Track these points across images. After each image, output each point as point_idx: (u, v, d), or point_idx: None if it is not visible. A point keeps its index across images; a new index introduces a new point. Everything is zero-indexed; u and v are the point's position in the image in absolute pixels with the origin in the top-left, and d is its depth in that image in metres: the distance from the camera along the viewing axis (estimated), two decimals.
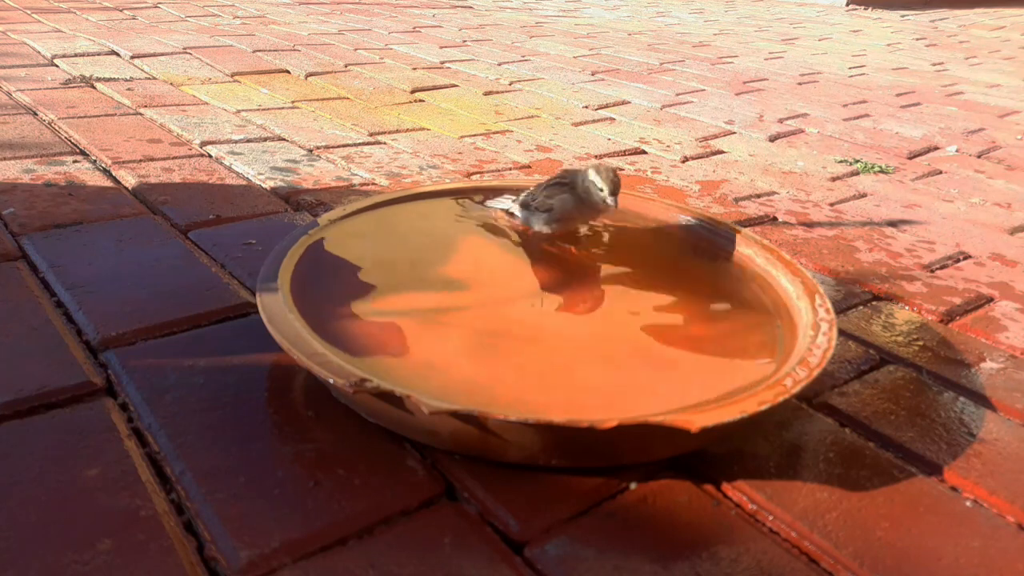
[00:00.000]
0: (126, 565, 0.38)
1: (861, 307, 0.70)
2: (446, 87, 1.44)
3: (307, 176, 0.92)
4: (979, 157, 1.23)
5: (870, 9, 3.53)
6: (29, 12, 1.90)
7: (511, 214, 0.75)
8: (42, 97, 1.16)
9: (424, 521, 0.42)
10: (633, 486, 0.46)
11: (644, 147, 1.15)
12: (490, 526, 0.42)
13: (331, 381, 0.46)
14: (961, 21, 3.30)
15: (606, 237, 0.74)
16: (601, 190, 0.67)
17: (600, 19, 2.60)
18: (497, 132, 1.17)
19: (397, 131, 1.13)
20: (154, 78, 1.34)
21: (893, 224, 0.91)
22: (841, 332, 0.64)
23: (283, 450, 0.46)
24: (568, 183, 0.69)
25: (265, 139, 1.05)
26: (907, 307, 0.70)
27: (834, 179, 1.07)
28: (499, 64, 1.69)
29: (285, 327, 0.51)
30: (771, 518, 0.44)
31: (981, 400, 0.57)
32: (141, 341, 0.56)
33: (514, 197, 0.76)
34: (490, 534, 0.42)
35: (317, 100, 1.28)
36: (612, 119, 1.30)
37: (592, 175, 0.67)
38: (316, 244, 0.65)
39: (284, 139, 1.05)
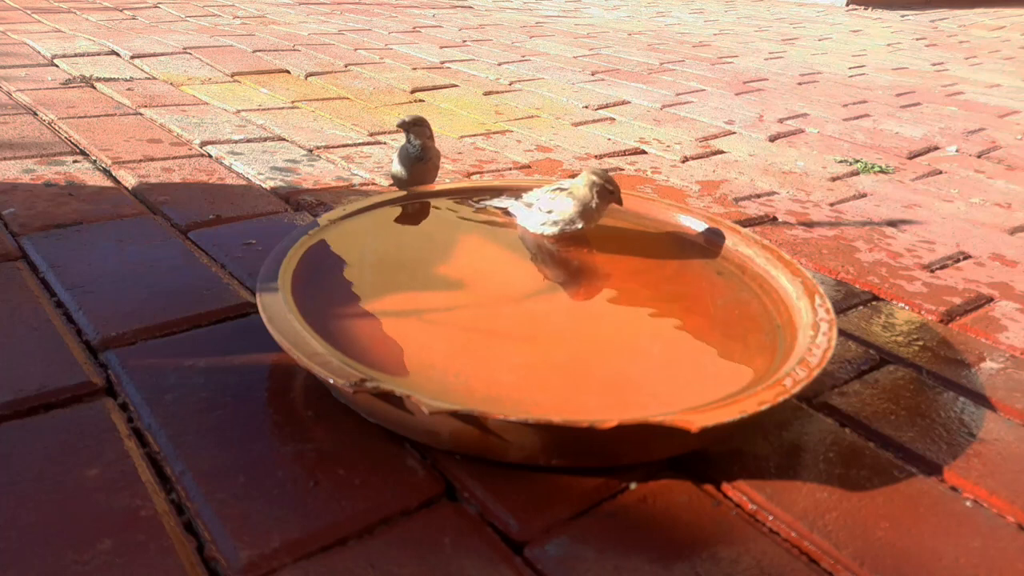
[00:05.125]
0: (126, 565, 0.38)
1: (861, 307, 0.70)
2: (446, 87, 1.44)
3: (307, 176, 0.92)
4: (979, 157, 1.23)
5: (870, 9, 3.53)
6: (29, 12, 1.90)
7: (509, 213, 0.76)
8: (42, 97, 1.16)
9: (424, 521, 0.42)
10: (633, 486, 0.46)
11: (644, 147, 1.15)
12: (490, 526, 0.42)
13: (331, 381, 0.46)
14: (961, 21, 3.30)
15: (605, 237, 0.74)
16: (607, 185, 0.70)
17: (600, 19, 2.60)
18: (497, 132, 1.17)
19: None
20: (154, 78, 1.34)
21: (893, 224, 0.91)
22: (841, 332, 0.64)
23: (283, 450, 0.46)
24: (568, 189, 0.70)
25: (265, 139, 1.05)
26: (907, 307, 0.70)
27: (834, 179, 1.07)
28: (499, 64, 1.69)
29: (285, 327, 0.51)
30: (771, 518, 0.44)
31: (981, 400, 0.57)
32: (141, 341, 0.56)
33: (514, 197, 0.76)
34: (490, 534, 0.42)
35: (317, 100, 1.28)
36: (612, 119, 1.30)
37: (590, 174, 0.70)
38: (316, 244, 0.65)
39: (284, 139, 1.05)
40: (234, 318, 0.60)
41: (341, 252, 0.66)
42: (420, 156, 0.78)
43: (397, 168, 0.80)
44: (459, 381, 0.51)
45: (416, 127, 0.78)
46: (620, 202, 0.72)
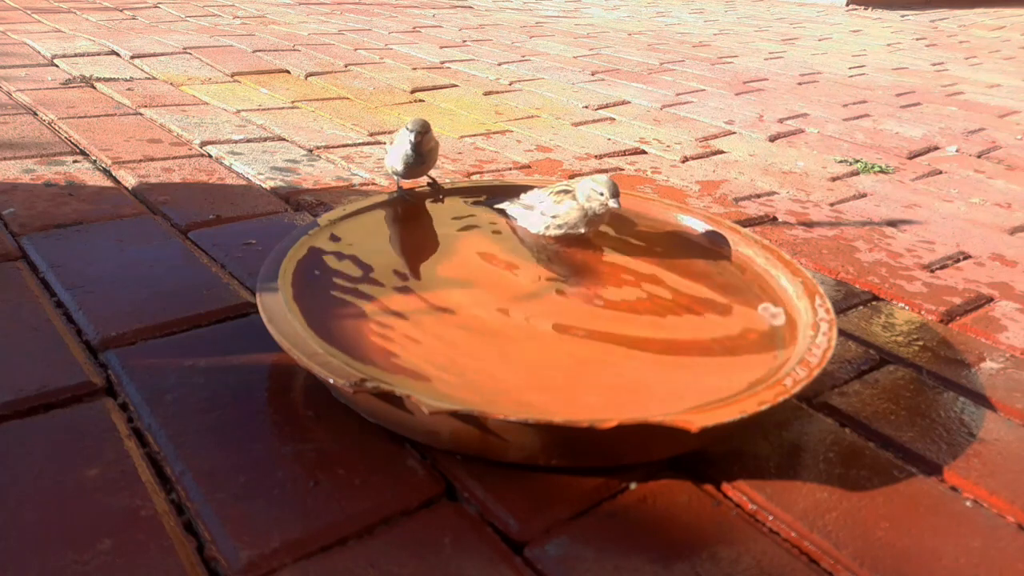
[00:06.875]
0: (126, 565, 0.38)
1: (861, 307, 0.70)
2: (446, 87, 1.44)
3: (307, 176, 0.92)
4: (979, 157, 1.23)
5: (870, 9, 3.53)
6: (29, 12, 1.90)
7: (507, 215, 0.76)
8: (42, 97, 1.16)
9: (424, 521, 0.42)
10: (633, 486, 0.46)
11: (644, 147, 1.15)
12: (490, 526, 0.42)
13: (331, 381, 0.46)
14: (961, 21, 3.30)
15: (605, 237, 0.74)
16: (601, 194, 0.69)
17: (600, 19, 2.60)
18: (497, 132, 1.17)
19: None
20: (154, 78, 1.34)
21: (893, 224, 0.91)
22: (841, 332, 0.64)
23: (283, 450, 0.46)
24: (572, 192, 0.71)
25: (265, 139, 1.05)
26: (907, 307, 0.70)
27: (834, 179, 1.07)
28: (499, 64, 1.69)
29: (285, 327, 0.51)
30: (771, 518, 0.44)
31: (981, 400, 0.57)
32: (141, 341, 0.56)
33: (512, 199, 0.76)
34: (490, 534, 0.42)
35: (317, 100, 1.28)
36: (612, 119, 1.30)
37: (591, 182, 0.70)
38: (316, 244, 0.65)
39: (284, 139, 1.05)
40: (234, 318, 0.60)
41: (341, 252, 0.66)
42: (414, 161, 0.77)
43: (393, 165, 0.78)
44: (460, 381, 0.51)
45: (425, 133, 0.77)
46: (618, 206, 0.70)
